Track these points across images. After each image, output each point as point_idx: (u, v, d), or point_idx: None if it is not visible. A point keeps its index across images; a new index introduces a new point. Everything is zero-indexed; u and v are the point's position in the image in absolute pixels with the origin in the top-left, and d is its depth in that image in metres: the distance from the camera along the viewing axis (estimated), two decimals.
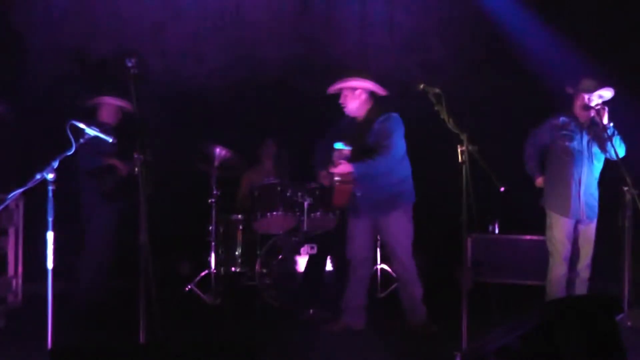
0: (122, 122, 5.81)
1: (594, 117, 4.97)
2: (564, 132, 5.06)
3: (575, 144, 5.03)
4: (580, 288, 5.13)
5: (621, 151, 4.94)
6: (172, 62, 7.05)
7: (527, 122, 5.57)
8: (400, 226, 4.90)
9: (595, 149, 5.05)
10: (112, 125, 5.75)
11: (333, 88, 4.93)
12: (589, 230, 5.11)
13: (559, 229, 5.08)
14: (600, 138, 4.99)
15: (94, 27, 6.78)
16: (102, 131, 3.87)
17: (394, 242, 4.93)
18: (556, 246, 5.09)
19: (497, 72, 6.91)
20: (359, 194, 4.86)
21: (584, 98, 4.98)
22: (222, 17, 7.28)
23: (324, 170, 4.90)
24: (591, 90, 4.96)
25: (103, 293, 5.72)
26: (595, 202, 5.09)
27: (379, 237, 5.58)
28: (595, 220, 5.11)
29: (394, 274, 5.12)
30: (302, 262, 5.73)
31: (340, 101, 4.93)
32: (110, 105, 5.79)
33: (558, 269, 5.09)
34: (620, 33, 6.45)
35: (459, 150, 3.95)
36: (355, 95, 4.87)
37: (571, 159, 5.03)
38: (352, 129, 4.93)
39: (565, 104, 5.19)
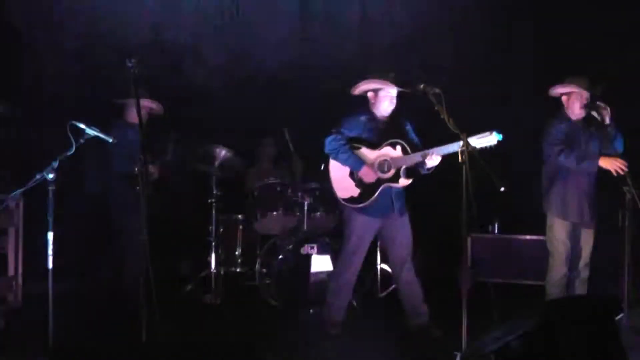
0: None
1: (586, 116, 4.97)
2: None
3: (574, 145, 5.01)
4: (580, 288, 5.12)
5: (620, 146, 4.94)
6: (172, 62, 7.05)
7: (527, 122, 5.56)
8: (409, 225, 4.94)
9: (594, 148, 5.04)
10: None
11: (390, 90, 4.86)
12: (589, 230, 5.11)
13: (560, 229, 5.07)
14: (602, 137, 4.96)
15: (94, 27, 6.77)
16: (102, 131, 3.87)
17: (410, 241, 4.92)
18: (557, 246, 5.08)
19: (497, 72, 6.90)
20: (396, 191, 4.84)
21: (583, 97, 4.97)
22: (222, 17, 7.27)
23: (365, 166, 4.79)
24: (590, 89, 4.95)
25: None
26: (595, 202, 5.08)
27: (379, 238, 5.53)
28: (595, 220, 5.10)
29: (394, 275, 5.06)
30: (302, 262, 5.72)
31: (387, 103, 4.87)
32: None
33: (558, 269, 5.08)
34: (618, 31, 6.44)
35: (459, 150, 3.96)
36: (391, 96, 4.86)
37: None
38: (384, 127, 4.90)
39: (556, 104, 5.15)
